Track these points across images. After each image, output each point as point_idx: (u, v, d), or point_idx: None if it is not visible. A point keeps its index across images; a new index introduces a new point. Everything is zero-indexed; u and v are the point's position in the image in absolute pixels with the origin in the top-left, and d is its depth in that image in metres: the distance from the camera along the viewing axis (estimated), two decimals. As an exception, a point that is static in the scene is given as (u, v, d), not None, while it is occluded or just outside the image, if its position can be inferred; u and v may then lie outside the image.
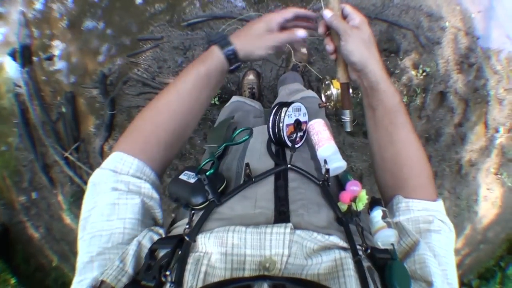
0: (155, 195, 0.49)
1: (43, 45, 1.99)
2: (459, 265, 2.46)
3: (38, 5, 1.97)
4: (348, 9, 0.54)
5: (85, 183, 2.11)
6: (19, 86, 2.02)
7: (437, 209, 0.52)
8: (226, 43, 0.55)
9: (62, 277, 2.38)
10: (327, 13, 0.54)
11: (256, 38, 0.56)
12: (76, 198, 2.15)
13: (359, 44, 0.52)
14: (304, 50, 1.81)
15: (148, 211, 0.48)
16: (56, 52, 1.99)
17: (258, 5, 1.87)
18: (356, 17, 0.53)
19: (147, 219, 0.47)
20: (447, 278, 0.43)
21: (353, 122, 0.62)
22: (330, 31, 0.58)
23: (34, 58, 2.00)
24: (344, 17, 0.55)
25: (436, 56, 1.94)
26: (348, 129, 0.62)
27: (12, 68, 2.04)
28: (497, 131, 2.13)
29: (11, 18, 2.00)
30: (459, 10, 1.94)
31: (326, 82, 0.62)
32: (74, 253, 2.38)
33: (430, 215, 0.50)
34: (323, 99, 0.62)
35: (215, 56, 0.54)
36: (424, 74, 1.93)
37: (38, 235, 2.34)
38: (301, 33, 0.57)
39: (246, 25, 0.58)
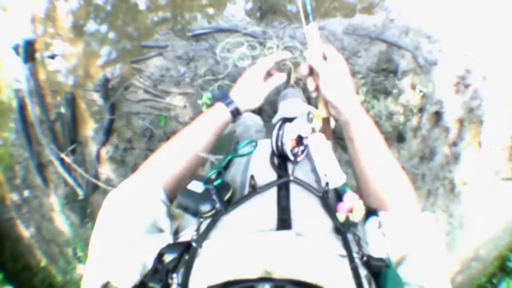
0: (162, 207, 0.56)
1: (46, 43, 1.98)
2: (451, 283, 2.47)
3: (43, 2, 1.95)
4: (329, 50, 0.59)
5: (79, 185, 2.09)
6: (19, 82, 2.01)
7: (423, 221, 0.55)
8: (230, 102, 0.68)
9: (49, 278, 2.33)
10: (309, 55, 0.59)
11: (252, 92, 0.69)
12: (69, 200, 2.13)
13: (336, 85, 0.57)
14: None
15: (154, 222, 0.54)
16: (59, 51, 1.98)
17: (262, 20, 1.90)
18: (335, 58, 0.58)
19: (152, 228, 0.52)
20: (439, 283, 0.46)
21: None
22: (313, 70, 0.62)
23: (37, 55, 1.99)
24: (325, 57, 0.60)
25: (433, 77, 1.98)
26: None
27: (14, 63, 2.01)
28: (490, 150, 2.15)
29: (17, 12, 1.98)
30: (457, 31, 1.97)
31: (310, 116, 0.66)
32: (64, 256, 2.34)
33: (417, 227, 0.53)
34: (310, 130, 0.66)
35: (221, 113, 0.67)
36: (421, 94, 1.97)
37: (28, 234, 2.30)
38: (283, 76, 0.71)
39: (240, 81, 0.70)
